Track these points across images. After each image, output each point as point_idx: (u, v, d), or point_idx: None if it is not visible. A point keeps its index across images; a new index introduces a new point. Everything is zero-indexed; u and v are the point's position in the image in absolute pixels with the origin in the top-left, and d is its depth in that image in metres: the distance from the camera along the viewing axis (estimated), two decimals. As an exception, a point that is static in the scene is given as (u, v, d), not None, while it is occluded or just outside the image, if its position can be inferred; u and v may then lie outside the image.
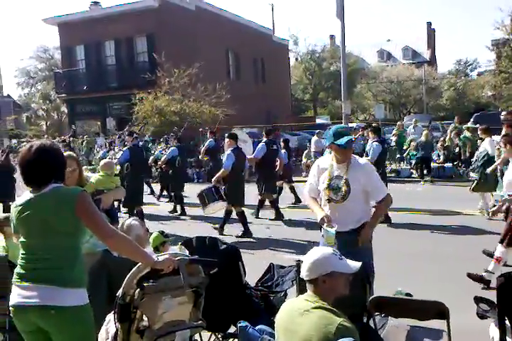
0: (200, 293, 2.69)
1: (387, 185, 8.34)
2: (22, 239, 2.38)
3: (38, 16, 78.66)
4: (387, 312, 2.47)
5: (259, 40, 28.92)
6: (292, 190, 10.53)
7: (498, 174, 7.69)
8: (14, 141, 24.44)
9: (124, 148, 9.85)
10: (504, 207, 4.74)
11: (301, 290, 2.93)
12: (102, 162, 4.39)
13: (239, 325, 2.30)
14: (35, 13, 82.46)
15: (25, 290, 2.30)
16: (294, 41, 36.35)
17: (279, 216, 8.96)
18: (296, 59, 39.69)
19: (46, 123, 36.99)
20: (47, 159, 2.38)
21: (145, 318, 2.57)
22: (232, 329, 3.18)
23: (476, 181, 8.22)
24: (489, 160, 8.01)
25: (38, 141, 2.49)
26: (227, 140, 8.00)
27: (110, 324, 2.85)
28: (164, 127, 19.36)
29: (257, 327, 2.27)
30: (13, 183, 9.54)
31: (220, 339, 3.14)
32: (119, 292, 2.68)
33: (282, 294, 3.36)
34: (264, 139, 8.92)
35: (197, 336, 3.26)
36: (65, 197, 2.33)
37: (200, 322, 2.63)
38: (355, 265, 2.18)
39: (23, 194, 2.45)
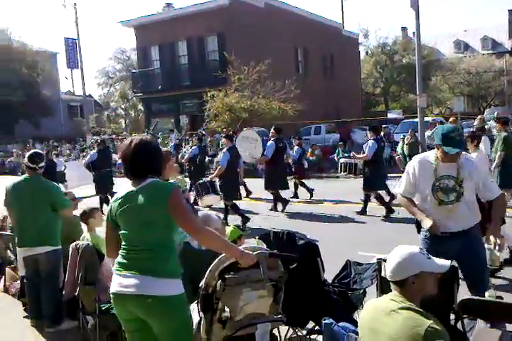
0: (280, 287, 2.71)
1: (382, 183, 8.63)
2: (123, 230, 2.48)
3: (116, 19, 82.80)
4: (477, 315, 2.35)
5: (328, 35, 28.54)
6: (302, 185, 11.10)
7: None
8: (96, 137, 25.92)
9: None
10: None
11: (382, 289, 2.87)
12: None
13: (324, 321, 2.28)
14: (113, 16, 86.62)
15: (124, 279, 2.40)
16: (365, 34, 35.50)
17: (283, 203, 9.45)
18: (367, 52, 38.69)
19: (125, 121, 38.93)
20: (147, 153, 2.50)
21: (227, 309, 2.64)
22: (309, 325, 3.19)
23: None
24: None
25: (138, 136, 2.61)
26: (223, 140, 9.17)
27: (194, 313, 2.94)
28: (234, 124, 19.72)
29: (340, 324, 2.25)
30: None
31: (299, 333, 3.15)
32: (202, 283, 2.78)
33: (361, 292, 3.31)
34: (272, 138, 9.48)
35: (274, 330, 3.30)
36: (160, 192, 2.43)
37: (280, 316, 2.66)
38: (445, 264, 2.09)
39: (124, 187, 2.55)
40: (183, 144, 19.62)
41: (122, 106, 40.46)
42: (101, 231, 4.64)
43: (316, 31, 27.14)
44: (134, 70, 30.05)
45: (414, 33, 17.66)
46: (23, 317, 4.69)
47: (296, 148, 11.74)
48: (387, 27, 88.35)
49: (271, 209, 9.61)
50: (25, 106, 32.31)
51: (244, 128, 11.88)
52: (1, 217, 6.39)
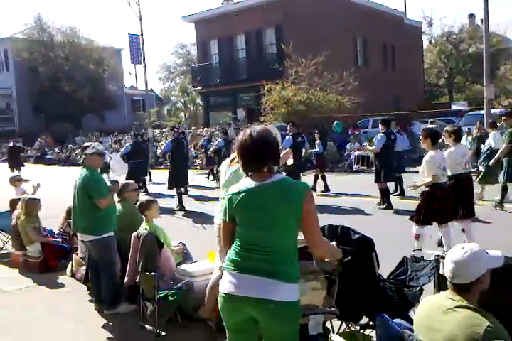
0: (334, 279, 2.70)
1: (388, 176, 8.68)
2: (242, 227, 2.31)
3: (177, 15, 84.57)
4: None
5: (389, 24, 27.63)
6: (323, 178, 11.20)
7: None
8: (156, 131, 26.80)
9: (167, 141, 12.26)
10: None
11: (440, 287, 2.78)
12: None
13: (378, 316, 2.25)
14: (175, 11, 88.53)
15: (242, 281, 2.23)
16: (428, 23, 34.08)
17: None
18: (430, 42, 37.11)
19: (184, 115, 39.92)
20: (267, 143, 2.32)
21: None
22: (363, 321, 3.16)
23: (481, 173, 8.78)
24: (493, 153, 8.40)
25: (255, 126, 2.42)
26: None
27: None
28: (291, 116, 19.65)
29: (394, 321, 2.21)
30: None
31: (352, 328, 3.13)
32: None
33: (418, 289, 3.23)
34: (290, 133, 9.74)
35: (327, 323, 3.30)
36: (294, 191, 2.24)
37: (333, 309, 2.65)
38: (500, 256, 2.01)
39: (242, 180, 2.38)
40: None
41: (182, 101, 41.47)
42: (158, 221, 4.85)
43: (376, 20, 26.36)
44: (193, 65, 30.67)
45: (481, 20, 16.77)
46: (88, 300, 4.98)
47: (317, 142, 11.60)
48: (453, 14, 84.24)
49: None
50: (92, 100, 33.96)
51: (265, 124, 12.04)
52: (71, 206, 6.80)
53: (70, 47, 34.87)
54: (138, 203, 4.86)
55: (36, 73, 33.58)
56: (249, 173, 2.33)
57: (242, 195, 2.28)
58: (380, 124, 9.38)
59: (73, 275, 5.69)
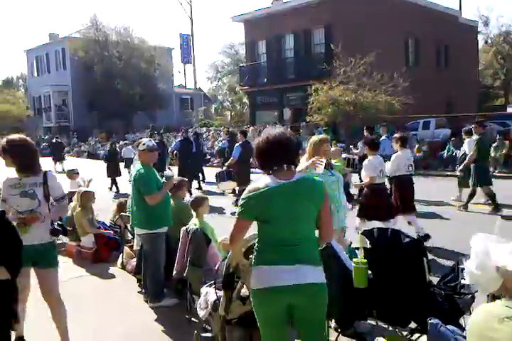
0: None
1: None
2: (274, 224, 2.46)
3: (227, 15, 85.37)
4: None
5: (443, 23, 26.76)
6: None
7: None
8: (204, 129, 27.25)
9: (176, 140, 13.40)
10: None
11: (494, 295, 2.70)
12: (334, 150, 4.94)
13: (429, 321, 2.22)
14: (225, 12, 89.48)
15: (279, 273, 2.42)
16: (484, 22, 32.83)
17: None
18: (486, 42, 35.69)
19: (231, 114, 40.36)
20: (290, 144, 2.56)
21: (245, 288, 2.93)
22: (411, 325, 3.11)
23: (458, 178, 9.80)
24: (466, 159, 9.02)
25: (274, 129, 2.61)
26: (238, 135, 10.78)
27: (208, 295, 3.49)
28: (337, 117, 19.43)
29: (447, 326, 2.17)
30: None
31: (403, 333, 3.10)
32: (225, 262, 3.08)
33: (469, 297, 3.14)
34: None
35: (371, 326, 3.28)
36: (318, 187, 2.54)
37: None
38: None
39: (264, 178, 2.53)
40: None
41: (229, 99, 41.91)
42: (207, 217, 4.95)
43: (429, 19, 25.61)
44: (241, 64, 30.91)
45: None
46: (138, 292, 5.15)
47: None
48: (511, 13, 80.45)
49: None
50: (143, 98, 34.88)
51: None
52: (123, 200, 7.07)
53: (123, 47, 35.94)
54: (191, 199, 4.98)
55: (91, 71, 34.86)
56: (270, 172, 2.53)
57: (271, 192, 2.44)
58: (364, 130, 10.76)
59: (124, 267, 5.91)
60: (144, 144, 4.68)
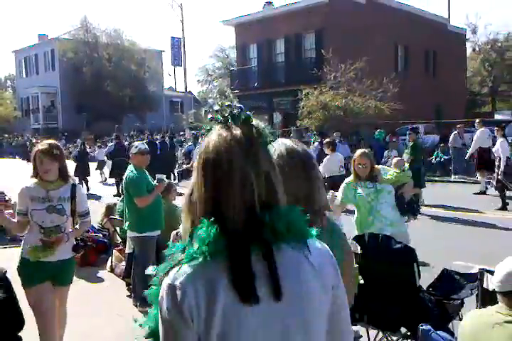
0: None
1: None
2: None
3: (218, 18, 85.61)
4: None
5: (432, 30, 27.10)
6: None
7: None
8: (193, 131, 27.17)
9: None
10: None
11: (483, 301, 2.74)
12: (395, 160, 4.83)
13: (421, 327, 2.23)
14: (216, 15, 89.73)
15: None
16: (473, 30, 33.25)
17: None
18: (474, 49, 36.19)
19: (220, 117, 40.20)
20: None
21: None
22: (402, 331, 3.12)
23: None
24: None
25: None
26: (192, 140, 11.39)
27: None
28: (328, 122, 19.53)
29: (438, 332, 2.19)
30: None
31: (389, 338, 3.11)
32: None
33: (458, 302, 3.17)
34: None
35: (364, 333, 3.29)
36: None
37: None
38: None
39: None
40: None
41: (219, 103, 41.86)
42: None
43: (418, 27, 25.93)
44: (232, 68, 30.95)
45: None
46: (126, 295, 5.11)
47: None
48: (499, 22, 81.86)
49: None
50: (133, 100, 34.76)
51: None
52: (111, 203, 7.02)
53: (113, 49, 35.83)
54: None
55: (80, 73, 34.67)
56: None
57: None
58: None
59: (112, 270, 5.86)
60: (136, 147, 4.71)
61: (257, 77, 26.54)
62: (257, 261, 1.06)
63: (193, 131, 19.61)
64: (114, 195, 12.37)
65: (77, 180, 8.18)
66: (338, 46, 20.66)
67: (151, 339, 1.25)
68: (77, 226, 3.38)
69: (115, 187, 13.08)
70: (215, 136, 1.16)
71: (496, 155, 9.93)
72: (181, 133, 28.78)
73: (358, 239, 3.35)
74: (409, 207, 4.30)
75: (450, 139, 15.08)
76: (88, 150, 26.40)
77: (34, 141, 26.97)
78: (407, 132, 10.28)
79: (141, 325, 1.30)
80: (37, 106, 39.24)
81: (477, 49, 35.62)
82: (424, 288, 3.46)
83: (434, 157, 15.81)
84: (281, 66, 25.70)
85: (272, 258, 1.07)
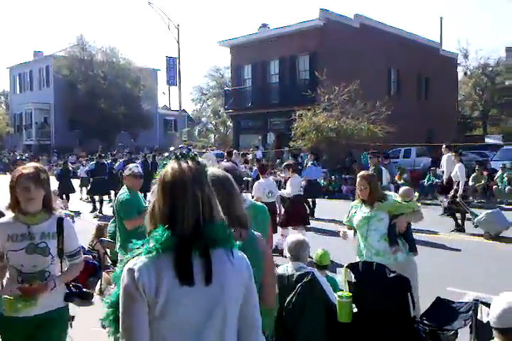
0: None
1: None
2: None
3: (214, 39, 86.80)
4: None
5: (424, 55, 27.66)
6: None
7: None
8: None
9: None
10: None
11: (477, 332, 2.70)
12: (401, 190, 4.34)
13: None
14: (212, 36, 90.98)
15: None
16: (464, 54, 33.96)
17: None
18: (465, 73, 36.92)
19: (214, 136, 40.48)
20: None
21: None
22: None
23: None
24: None
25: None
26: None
27: None
28: (320, 143, 19.65)
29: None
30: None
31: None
32: None
33: (452, 333, 3.13)
34: (225, 160, 11.22)
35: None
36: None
37: None
38: None
39: None
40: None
41: (213, 122, 42.18)
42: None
43: (411, 51, 26.45)
44: (226, 88, 31.20)
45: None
46: (115, 320, 4.99)
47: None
48: (489, 47, 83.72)
49: None
50: (126, 118, 34.80)
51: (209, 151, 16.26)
52: (102, 224, 6.93)
53: (108, 67, 36.06)
54: None
55: (75, 90, 34.76)
56: None
57: None
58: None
59: (102, 293, 5.74)
60: (129, 169, 4.67)
61: (251, 97, 26.77)
62: (195, 257, 1.50)
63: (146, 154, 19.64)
64: (90, 212, 13.00)
65: (59, 200, 8.12)
66: (332, 68, 20.96)
67: (112, 309, 1.67)
68: (65, 269, 2.74)
69: (91, 204, 13.58)
70: (171, 167, 1.59)
71: (454, 179, 10.39)
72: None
73: (352, 267, 3.32)
74: (409, 242, 4.04)
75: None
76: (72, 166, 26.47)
77: (23, 157, 26.77)
78: (368, 156, 10.56)
79: (103, 300, 1.73)
80: (30, 122, 39.17)
81: (469, 73, 36.35)
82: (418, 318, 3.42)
83: (426, 180, 15.86)
84: (276, 87, 25.97)
85: (208, 256, 1.51)
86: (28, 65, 40.80)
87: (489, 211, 9.37)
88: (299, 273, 3.44)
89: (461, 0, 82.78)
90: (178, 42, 25.10)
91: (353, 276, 3.18)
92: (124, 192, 4.58)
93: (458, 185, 10.07)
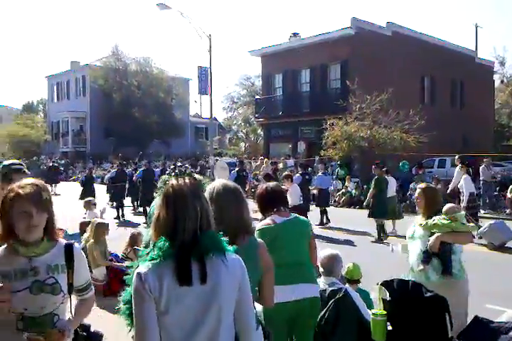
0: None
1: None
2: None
3: (245, 49, 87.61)
4: None
5: (459, 63, 27.08)
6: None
7: None
8: (218, 158, 27.42)
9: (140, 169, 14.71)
10: None
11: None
12: (445, 207, 3.98)
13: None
14: (243, 45, 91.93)
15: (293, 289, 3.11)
16: (500, 62, 33.10)
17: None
18: (502, 81, 35.94)
19: (245, 145, 40.66)
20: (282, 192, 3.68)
21: None
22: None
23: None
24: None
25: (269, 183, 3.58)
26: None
27: None
28: (352, 152, 19.46)
29: None
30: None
31: None
32: None
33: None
34: (236, 169, 12.82)
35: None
36: (306, 225, 3.52)
37: None
38: None
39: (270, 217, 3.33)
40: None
41: (243, 130, 42.40)
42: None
43: (445, 59, 25.95)
44: (257, 96, 31.32)
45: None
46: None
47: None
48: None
49: None
50: (159, 126, 35.42)
51: (218, 159, 17.32)
52: (136, 232, 7.05)
53: (142, 76, 36.84)
54: None
55: (110, 99, 35.63)
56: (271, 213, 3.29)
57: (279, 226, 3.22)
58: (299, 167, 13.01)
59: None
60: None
61: (281, 105, 26.79)
62: (193, 262, 1.77)
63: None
64: (114, 218, 13.44)
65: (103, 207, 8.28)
66: (363, 77, 20.78)
67: (127, 305, 2.07)
68: (74, 309, 2.18)
69: (115, 210, 14.04)
70: (172, 184, 1.86)
71: (460, 190, 10.72)
72: (206, 159, 29.06)
73: (386, 284, 3.26)
74: (443, 264, 3.69)
75: (480, 173, 14.87)
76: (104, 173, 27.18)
77: (55, 164, 27.21)
78: (373, 166, 11.13)
79: (120, 296, 2.15)
80: (67, 130, 40.36)
81: (505, 81, 35.38)
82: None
83: (461, 190, 15.45)
84: (306, 95, 25.92)
85: (203, 261, 1.77)
86: (65, 75, 42.12)
87: (492, 222, 9.46)
88: (331, 288, 3.43)
89: (496, 8, 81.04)
90: (209, 52, 25.38)
91: (387, 294, 3.12)
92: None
93: (464, 196, 10.47)
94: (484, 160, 15.17)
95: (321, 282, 3.53)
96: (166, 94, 37.27)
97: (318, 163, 20.89)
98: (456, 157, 12.40)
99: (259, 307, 2.54)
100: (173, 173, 2.00)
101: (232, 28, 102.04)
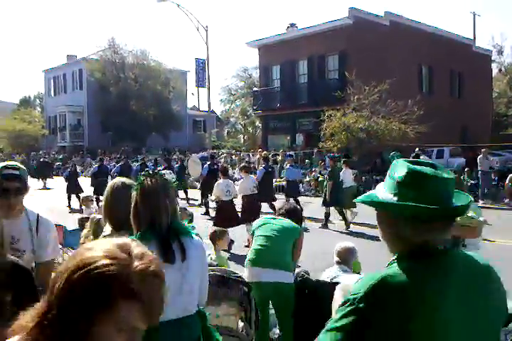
0: (246, 307, 3.29)
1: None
2: None
3: (242, 40, 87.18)
4: None
5: (457, 52, 26.93)
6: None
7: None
8: (215, 150, 27.39)
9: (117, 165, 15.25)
10: None
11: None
12: None
13: None
14: (240, 37, 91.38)
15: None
16: (498, 51, 32.96)
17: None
18: (500, 70, 35.81)
19: (243, 137, 40.56)
20: None
21: None
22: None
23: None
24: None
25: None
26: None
27: None
28: (350, 144, 19.42)
29: None
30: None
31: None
32: None
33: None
34: (208, 163, 13.51)
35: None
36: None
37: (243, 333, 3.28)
38: None
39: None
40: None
41: (241, 123, 42.26)
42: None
43: (443, 48, 25.81)
44: (255, 88, 31.18)
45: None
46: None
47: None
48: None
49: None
50: (157, 120, 35.29)
51: (193, 154, 19.18)
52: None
53: (139, 69, 36.58)
54: (211, 232, 4.90)
55: (107, 92, 35.43)
56: None
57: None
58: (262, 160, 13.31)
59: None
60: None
61: (279, 97, 26.68)
62: (173, 243, 2.18)
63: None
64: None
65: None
66: (361, 67, 20.67)
67: None
68: None
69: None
70: (146, 183, 2.26)
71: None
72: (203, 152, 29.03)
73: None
74: None
75: (478, 163, 14.83)
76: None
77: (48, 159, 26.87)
78: (327, 158, 11.42)
79: None
80: (64, 124, 40.18)
81: (503, 70, 35.25)
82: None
83: (460, 181, 15.48)
84: (304, 87, 25.80)
85: (180, 241, 2.20)
86: (62, 68, 41.84)
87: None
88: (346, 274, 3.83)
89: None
90: (206, 44, 25.23)
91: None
92: None
93: None
94: (482, 150, 15.15)
95: (337, 269, 3.94)
96: (164, 86, 37.06)
97: (317, 154, 20.89)
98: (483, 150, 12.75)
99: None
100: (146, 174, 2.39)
101: (229, 19, 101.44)
